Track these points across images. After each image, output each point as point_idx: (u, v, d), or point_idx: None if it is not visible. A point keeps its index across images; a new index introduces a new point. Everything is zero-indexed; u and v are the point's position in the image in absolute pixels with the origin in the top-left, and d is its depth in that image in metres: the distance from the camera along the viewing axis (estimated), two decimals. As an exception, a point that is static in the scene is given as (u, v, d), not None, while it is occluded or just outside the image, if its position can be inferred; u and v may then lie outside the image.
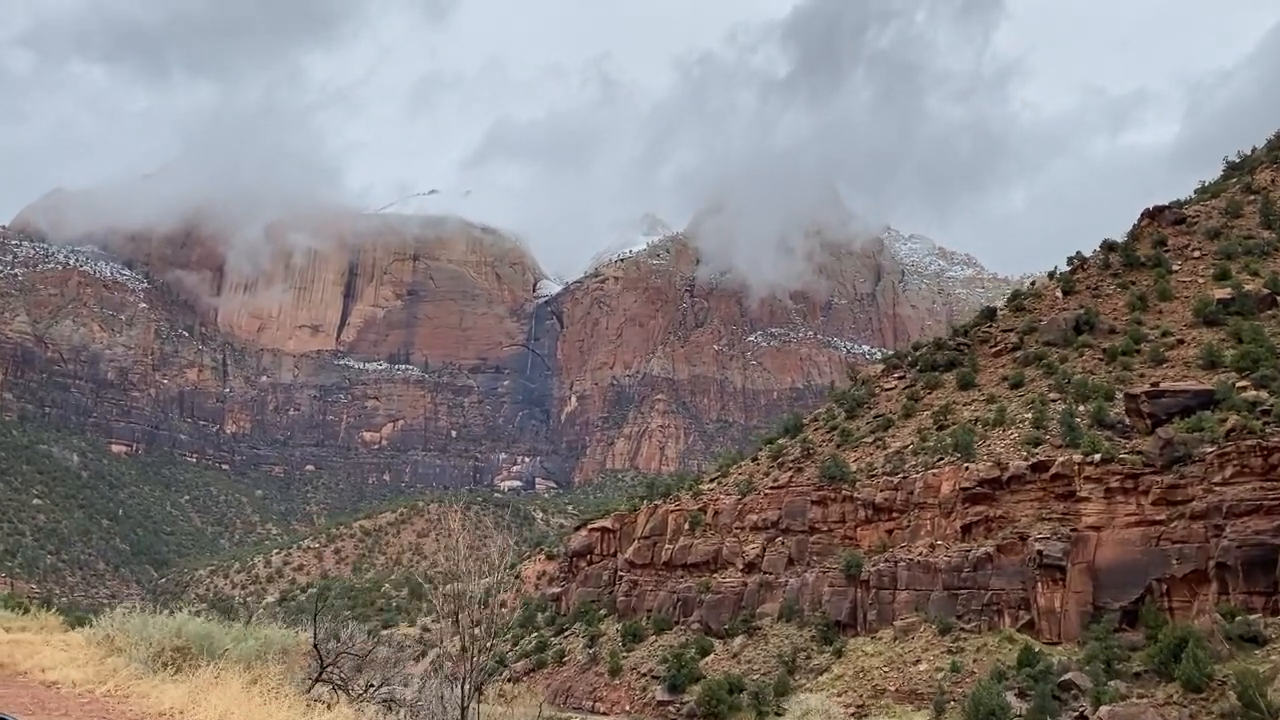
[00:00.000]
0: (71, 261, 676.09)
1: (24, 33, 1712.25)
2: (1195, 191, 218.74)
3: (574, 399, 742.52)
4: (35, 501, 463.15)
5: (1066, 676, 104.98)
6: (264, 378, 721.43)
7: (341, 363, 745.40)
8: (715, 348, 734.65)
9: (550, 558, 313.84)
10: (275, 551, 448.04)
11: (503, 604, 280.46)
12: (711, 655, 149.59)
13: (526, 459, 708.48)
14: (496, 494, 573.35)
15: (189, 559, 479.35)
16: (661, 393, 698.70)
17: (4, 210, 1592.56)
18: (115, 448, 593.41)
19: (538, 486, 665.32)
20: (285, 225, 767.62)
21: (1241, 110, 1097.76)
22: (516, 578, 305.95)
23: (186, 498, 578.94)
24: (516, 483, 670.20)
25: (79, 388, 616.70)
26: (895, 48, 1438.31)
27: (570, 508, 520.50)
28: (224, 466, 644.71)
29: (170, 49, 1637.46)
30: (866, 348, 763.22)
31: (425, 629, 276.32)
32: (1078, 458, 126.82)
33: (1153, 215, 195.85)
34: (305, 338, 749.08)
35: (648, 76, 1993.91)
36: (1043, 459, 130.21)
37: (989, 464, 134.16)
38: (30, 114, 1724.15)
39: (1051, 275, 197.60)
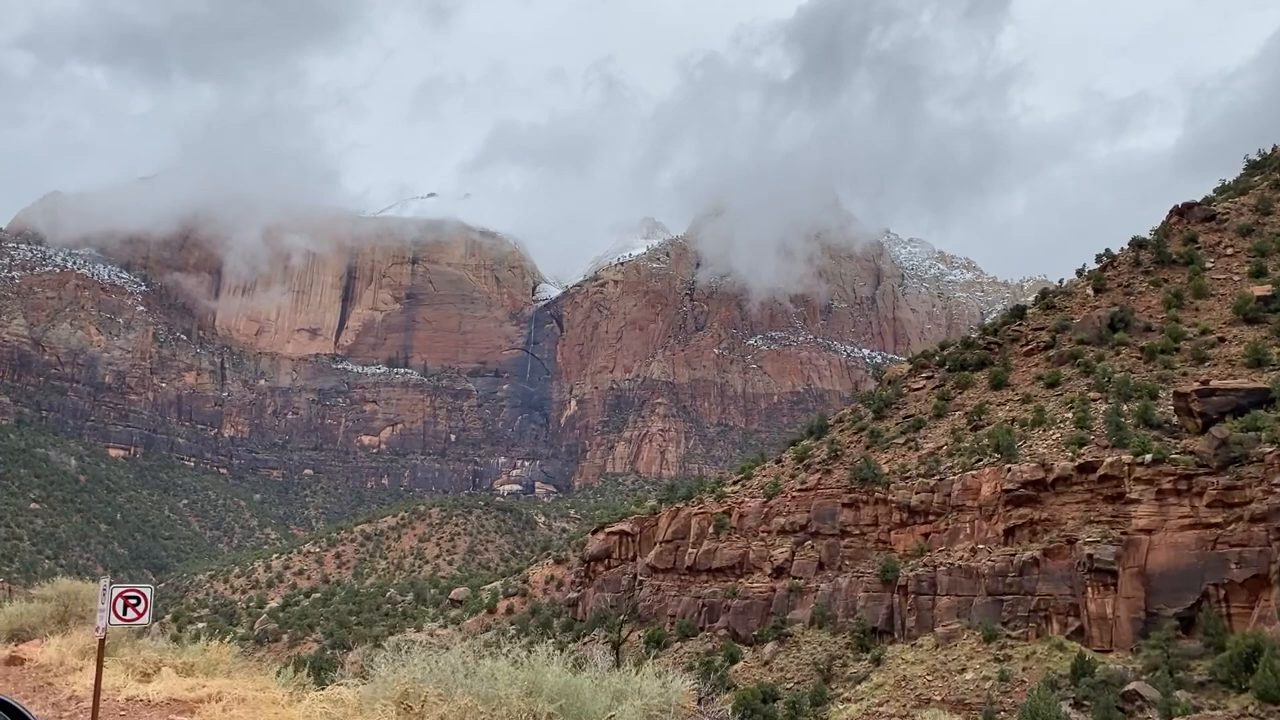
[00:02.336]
0: (69, 264, 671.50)
1: (24, 34, 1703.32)
2: (1215, 190, 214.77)
3: (573, 403, 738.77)
4: (33, 505, 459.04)
5: (1130, 687, 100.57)
6: (262, 381, 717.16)
7: (340, 366, 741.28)
8: (715, 351, 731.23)
9: (558, 562, 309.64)
10: (275, 556, 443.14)
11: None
12: (741, 663, 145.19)
13: (526, 463, 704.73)
14: (498, 498, 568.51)
15: (188, 563, 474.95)
16: (661, 396, 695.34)
17: (1, 213, 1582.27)
18: (113, 451, 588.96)
19: (537, 490, 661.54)
20: (283, 228, 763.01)
21: (1244, 114, 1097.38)
22: (524, 582, 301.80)
23: (185, 502, 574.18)
24: (516, 487, 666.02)
25: (76, 391, 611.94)
26: (898, 50, 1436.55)
27: (573, 511, 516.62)
28: (222, 470, 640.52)
29: (172, 51, 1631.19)
30: (866, 351, 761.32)
31: (433, 635, 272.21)
32: (1127, 458, 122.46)
33: (1181, 212, 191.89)
34: (303, 341, 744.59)
35: (651, 79, 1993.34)
36: (1090, 460, 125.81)
37: (1032, 465, 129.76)
38: (29, 116, 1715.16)
39: (1080, 273, 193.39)
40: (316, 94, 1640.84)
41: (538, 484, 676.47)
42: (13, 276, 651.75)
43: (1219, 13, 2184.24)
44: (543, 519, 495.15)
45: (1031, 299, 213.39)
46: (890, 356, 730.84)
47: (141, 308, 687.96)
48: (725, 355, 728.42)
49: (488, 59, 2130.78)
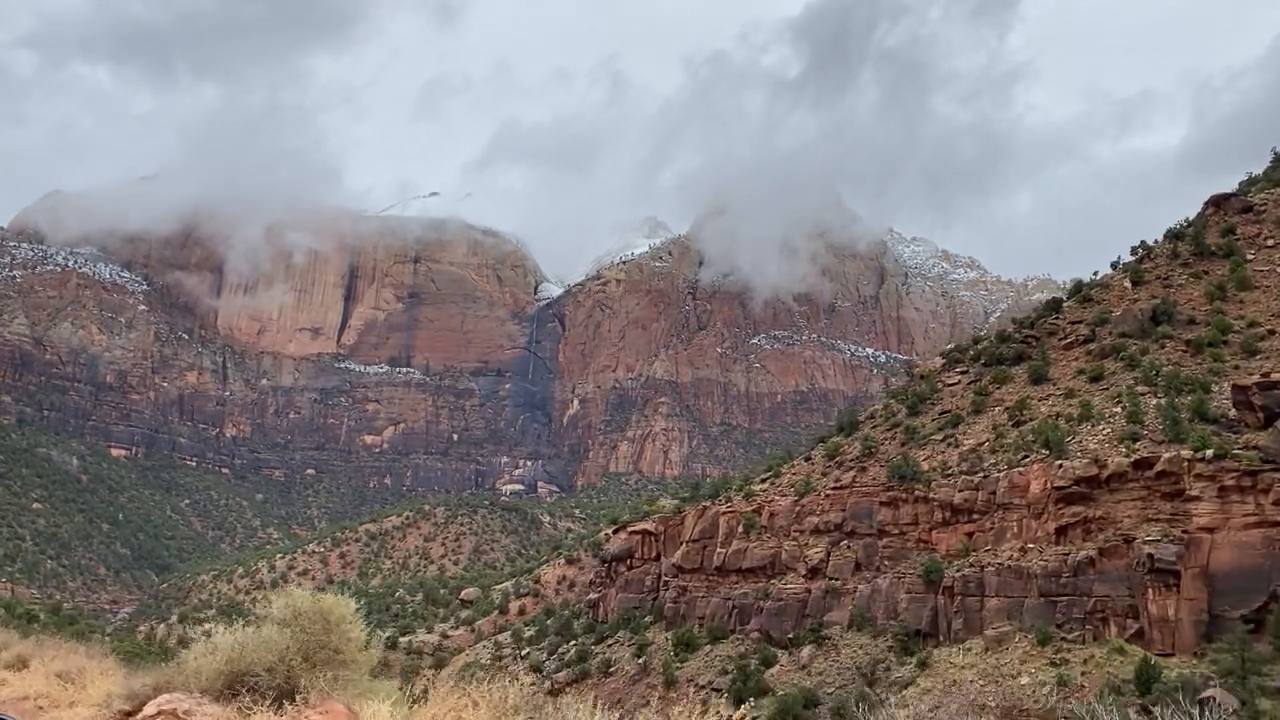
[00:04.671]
0: (70, 263, 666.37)
1: (27, 34, 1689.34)
2: (1242, 183, 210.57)
3: (576, 402, 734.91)
4: (35, 506, 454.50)
5: (1208, 693, 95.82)
6: (264, 381, 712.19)
7: (342, 366, 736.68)
8: (718, 350, 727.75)
9: (570, 562, 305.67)
10: (279, 556, 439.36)
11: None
12: (776, 666, 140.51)
13: (528, 462, 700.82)
14: (503, 498, 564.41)
15: (190, 563, 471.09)
16: (664, 396, 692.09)
17: (2, 212, 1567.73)
18: (115, 451, 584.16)
19: (539, 490, 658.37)
20: (285, 226, 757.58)
21: (1249, 112, 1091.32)
22: (535, 583, 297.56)
23: (187, 502, 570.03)
24: (518, 486, 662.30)
25: (78, 391, 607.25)
26: (904, 47, 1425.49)
27: (577, 511, 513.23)
28: (224, 470, 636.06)
29: (176, 50, 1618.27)
30: (870, 351, 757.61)
31: (445, 635, 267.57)
32: (1186, 454, 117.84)
33: (1218, 203, 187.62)
34: (305, 340, 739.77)
35: (656, 77, 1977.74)
36: (1146, 455, 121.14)
37: (1085, 461, 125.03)
38: (31, 116, 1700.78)
39: (1115, 265, 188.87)
40: (320, 93, 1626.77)
41: (540, 483, 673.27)
42: (14, 275, 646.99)
43: (1225, 10, 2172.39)
44: (548, 519, 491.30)
45: (1044, 295, 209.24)
46: (894, 356, 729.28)
47: (143, 307, 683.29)
48: (728, 354, 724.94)
49: (493, 58, 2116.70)
